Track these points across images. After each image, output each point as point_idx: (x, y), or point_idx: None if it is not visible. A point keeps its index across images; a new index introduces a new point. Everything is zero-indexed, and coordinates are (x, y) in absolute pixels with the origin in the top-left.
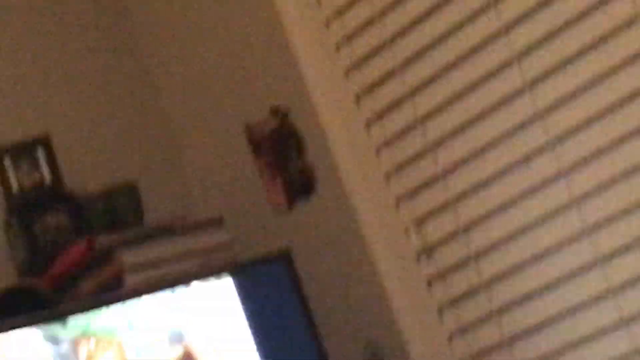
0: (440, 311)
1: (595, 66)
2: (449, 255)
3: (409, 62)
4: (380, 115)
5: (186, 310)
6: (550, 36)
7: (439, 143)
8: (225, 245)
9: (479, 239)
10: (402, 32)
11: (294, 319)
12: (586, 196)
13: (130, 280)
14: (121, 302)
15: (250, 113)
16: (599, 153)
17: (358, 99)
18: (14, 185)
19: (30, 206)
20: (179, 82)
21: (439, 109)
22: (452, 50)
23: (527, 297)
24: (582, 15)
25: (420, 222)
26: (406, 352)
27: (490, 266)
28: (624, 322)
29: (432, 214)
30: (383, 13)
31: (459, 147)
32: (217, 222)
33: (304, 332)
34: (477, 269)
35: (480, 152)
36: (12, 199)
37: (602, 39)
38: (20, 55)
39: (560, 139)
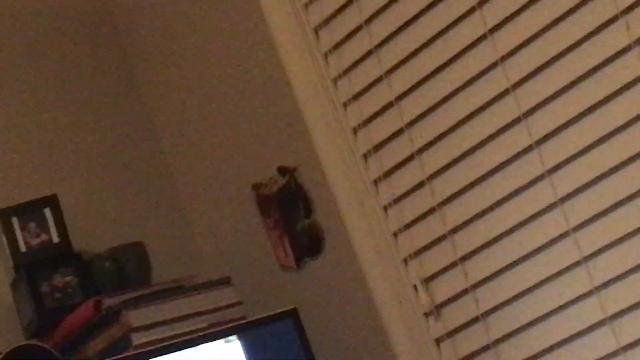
0: None
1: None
2: (457, 313)
3: (416, 120)
4: (388, 174)
5: None
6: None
7: (447, 202)
8: (233, 304)
9: (488, 298)
10: (410, 91)
11: None
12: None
13: (137, 340)
14: None
15: (257, 172)
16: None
17: (365, 157)
18: (22, 245)
19: (37, 266)
20: (186, 142)
21: (448, 168)
22: (459, 108)
23: (536, 356)
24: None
25: (428, 280)
26: None
27: (499, 324)
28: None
29: (440, 272)
30: (390, 71)
31: (467, 206)
32: (224, 282)
33: None
34: (485, 328)
35: (488, 211)
36: (19, 258)
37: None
38: (28, 117)
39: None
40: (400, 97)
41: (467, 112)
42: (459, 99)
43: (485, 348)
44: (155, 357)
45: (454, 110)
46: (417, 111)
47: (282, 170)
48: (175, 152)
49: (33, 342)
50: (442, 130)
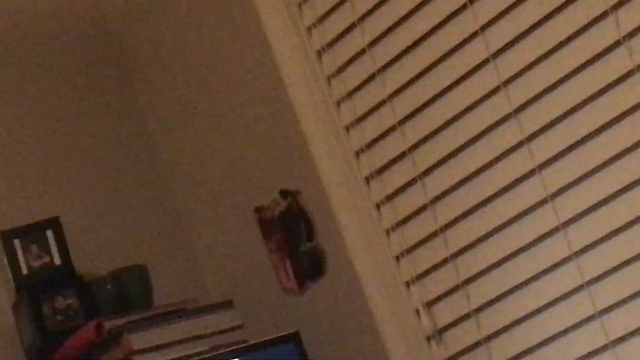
0: None
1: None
2: (459, 338)
3: (419, 144)
4: (390, 198)
5: None
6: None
7: (449, 225)
8: (234, 327)
9: (490, 321)
10: (413, 114)
11: None
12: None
13: None
14: None
15: (259, 195)
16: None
17: (368, 180)
18: (23, 267)
19: (39, 288)
20: (188, 165)
21: (450, 192)
22: (462, 132)
23: None
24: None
25: (430, 304)
26: None
27: (502, 349)
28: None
29: (442, 296)
30: (394, 95)
31: (470, 230)
32: (226, 305)
33: None
34: (488, 353)
35: (490, 235)
36: (21, 280)
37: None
38: (30, 139)
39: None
40: (403, 120)
41: (470, 136)
42: (462, 123)
43: None
44: None
45: (456, 135)
46: (420, 135)
47: (284, 194)
48: (177, 175)
49: None
50: (444, 153)
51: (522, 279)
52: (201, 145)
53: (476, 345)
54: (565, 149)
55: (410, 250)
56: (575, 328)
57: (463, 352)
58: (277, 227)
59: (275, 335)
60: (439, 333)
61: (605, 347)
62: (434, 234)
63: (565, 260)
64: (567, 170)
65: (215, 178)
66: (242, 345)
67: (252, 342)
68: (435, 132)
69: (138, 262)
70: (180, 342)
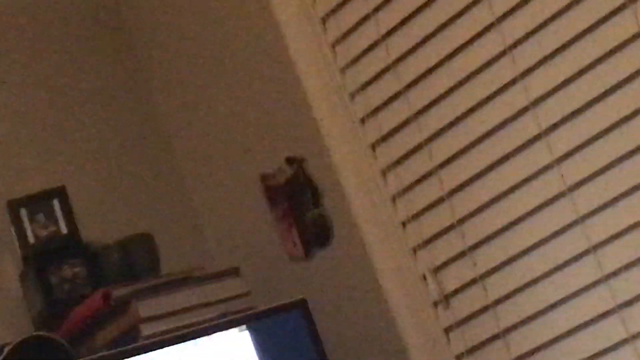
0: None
1: (610, 111)
2: (466, 303)
3: (424, 110)
4: (396, 164)
5: None
6: (565, 82)
7: (455, 191)
8: (241, 295)
9: (497, 287)
10: (418, 80)
11: None
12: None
13: (147, 331)
14: (137, 355)
15: (265, 163)
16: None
17: (374, 147)
18: (30, 236)
19: (46, 257)
20: (194, 134)
21: (456, 157)
22: (467, 97)
23: (546, 345)
24: (599, 61)
25: (437, 270)
26: None
27: (509, 314)
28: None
29: (449, 262)
30: (398, 61)
31: (476, 196)
32: (233, 272)
33: None
34: (495, 317)
35: (497, 200)
36: (28, 250)
37: (620, 84)
38: (36, 108)
39: (578, 185)
40: (409, 86)
41: (476, 102)
42: (468, 88)
43: (495, 337)
44: (165, 346)
45: (463, 100)
46: (426, 101)
47: (290, 161)
48: (183, 144)
49: (42, 333)
50: (451, 119)
51: (528, 244)
52: (206, 113)
53: (483, 310)
54: (571, 114)
55: (416, 216)
56: (582, 292)
57: (470, 317)
58: (283, 195)
59: (282, 302)
60: (446, 298)
61: (612, 312)
62: (441, 200)
63: (571, 225)
64: (575, 136)
65: (221, 146)
66: (249, 313)
67: (259, 309)
68: (439, 99)
69: (144, 230)
70: (187, 309)
